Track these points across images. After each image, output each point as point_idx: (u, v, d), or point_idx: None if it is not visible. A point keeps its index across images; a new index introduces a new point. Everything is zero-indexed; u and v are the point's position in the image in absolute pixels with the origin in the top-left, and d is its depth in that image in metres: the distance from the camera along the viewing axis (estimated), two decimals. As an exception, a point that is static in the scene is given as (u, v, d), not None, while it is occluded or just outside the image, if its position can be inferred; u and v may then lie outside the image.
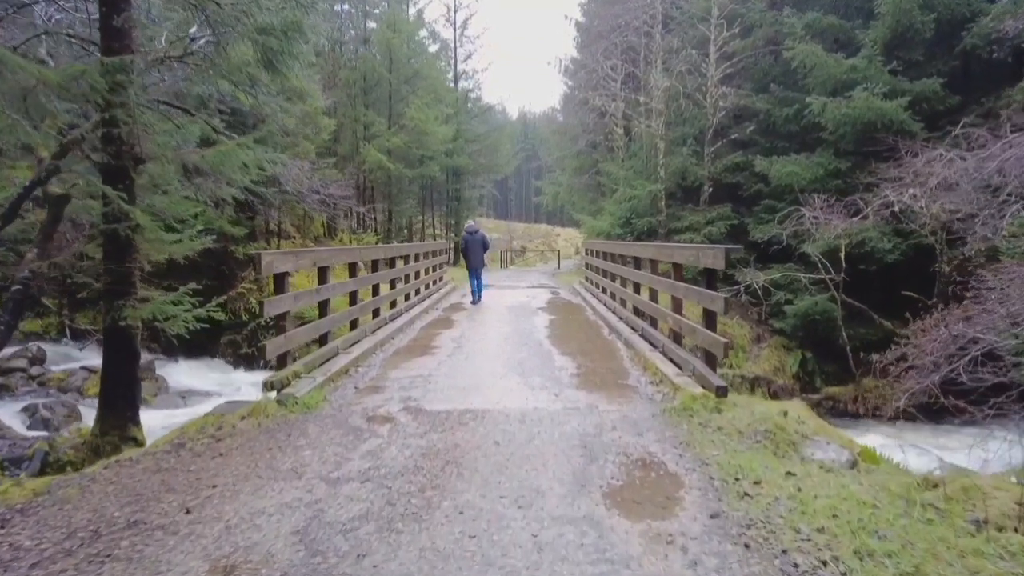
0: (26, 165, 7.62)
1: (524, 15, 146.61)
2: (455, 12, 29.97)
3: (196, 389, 12.17)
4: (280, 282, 5.60)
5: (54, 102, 5.89)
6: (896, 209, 11.20)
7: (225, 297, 11.64)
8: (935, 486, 3.06)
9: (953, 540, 2.57)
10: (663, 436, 4.09)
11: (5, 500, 3.28)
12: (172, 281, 8.20)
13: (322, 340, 6.44)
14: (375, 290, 8.92)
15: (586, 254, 16.12)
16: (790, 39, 14.35)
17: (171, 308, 6.30)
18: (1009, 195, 9.03)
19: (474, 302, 12.08)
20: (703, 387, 5.07)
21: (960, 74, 13.76)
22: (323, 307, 6.64)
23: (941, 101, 12.98)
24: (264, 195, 12.98)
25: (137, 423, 6.39)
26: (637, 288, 8.67)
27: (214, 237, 9.46)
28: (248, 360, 14.18)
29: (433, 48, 29.88)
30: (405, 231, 27.64)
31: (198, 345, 12.92)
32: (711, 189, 17.61)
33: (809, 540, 2.60)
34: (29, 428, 8.77)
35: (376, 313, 8.66)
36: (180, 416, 8.99)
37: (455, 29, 30.10)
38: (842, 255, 12.33)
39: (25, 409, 9.25)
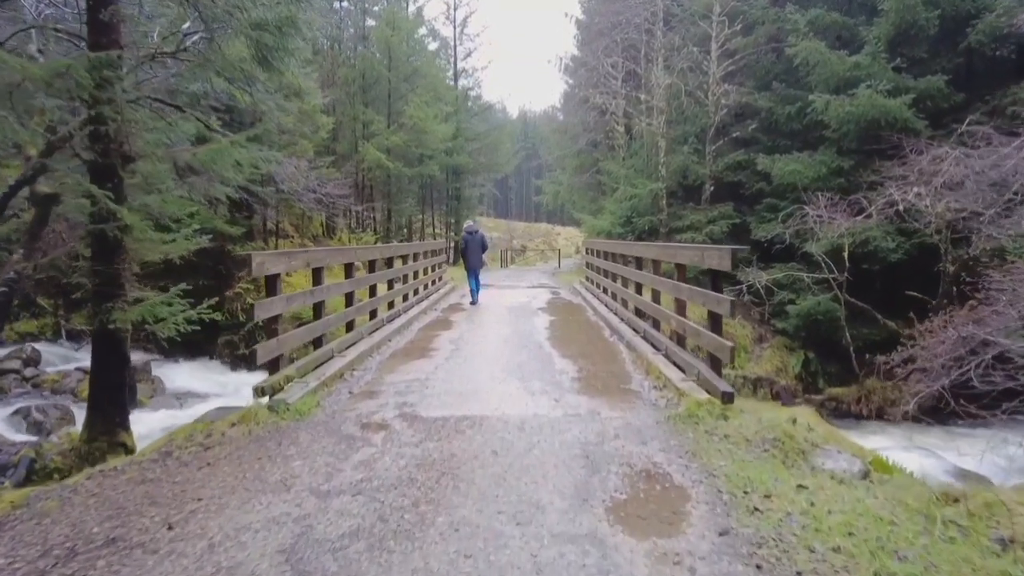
0: (15, 164, 7.46)
1: (524, 13, 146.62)
2: (455, 10, 29.89)
3: (193, 390, 12.04)
4: (272, 284, 5.41)
5: (41, 98, 5.75)
6: (900, 208, 11.05)
7: (218, 298, 11.49)
8: (956, 500, 2.91)
9: (978, 561, 2.42)
10: (668, 445, 3.94)
11: (-19, 514, 3.14)
12: (168, 282, 8.02)
13: (316, 343, 6.28)
14: (372, 291, 8.76)
15: (587, 254, 15.94)
16: (792, 36, 14.18)
17: (162, 310, 6.15)
18: (1015, 194, 8.89)
19: (472, 303, 11.95)
20: (708, 392, 4.92)
21: (964, 71, 13.62)
22: (318, 309, 6.47)
23: (945, 98, 12.82)
24: (259, 194, 12.82)
25: (127, 428, 6.24)
26: (639, 289, 8.53)
27: (210, 237, 9.29)
28: (246, 360, 13.97)
29: (433, 46, 29.74)
30: (404, 230, 27.46)
31: (195, 346, 12.81)
32: (713, 188, 17.41)
33: (825, 561, 2.45)
34: (24, 431, 8.65)
35: (373, 314, 8.50)
36: (176, 418, 8.86)
37: (455, 27, 29.98)
38: (845, 254, 12.17)
39: (18, 412, 9.12)
